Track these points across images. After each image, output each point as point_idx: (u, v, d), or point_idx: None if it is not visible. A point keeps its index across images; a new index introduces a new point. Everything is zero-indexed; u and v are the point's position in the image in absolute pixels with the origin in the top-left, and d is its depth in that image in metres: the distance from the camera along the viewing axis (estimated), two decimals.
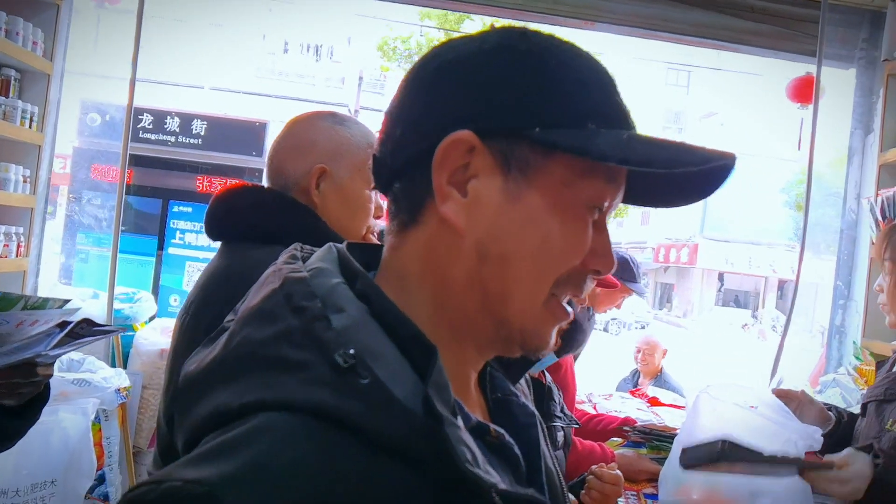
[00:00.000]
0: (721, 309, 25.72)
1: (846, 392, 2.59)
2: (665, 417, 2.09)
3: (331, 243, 0.61)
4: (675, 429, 1.82)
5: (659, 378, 4.08)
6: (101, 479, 2.39)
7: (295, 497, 0.42)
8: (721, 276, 26.52)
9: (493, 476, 0.47)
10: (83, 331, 0.86)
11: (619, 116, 0.55)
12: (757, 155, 19.02)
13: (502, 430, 0.56)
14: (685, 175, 0.54)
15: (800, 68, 3.25)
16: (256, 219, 1.17)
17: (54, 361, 0.97)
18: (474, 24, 13.57)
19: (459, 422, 0.48)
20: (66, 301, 0.89)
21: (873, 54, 2.83)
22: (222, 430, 0.46)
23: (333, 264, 0.56)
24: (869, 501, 1.32)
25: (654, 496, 1.57)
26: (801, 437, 1.41)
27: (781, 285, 26.48)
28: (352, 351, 0.47)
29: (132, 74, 2.62)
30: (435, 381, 0.48)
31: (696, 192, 0.59)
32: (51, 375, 1.00)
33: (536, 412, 0.69)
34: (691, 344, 14.07)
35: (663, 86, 20.68)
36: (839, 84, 3.03)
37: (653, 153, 0.52)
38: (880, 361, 2.08)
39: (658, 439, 1.74)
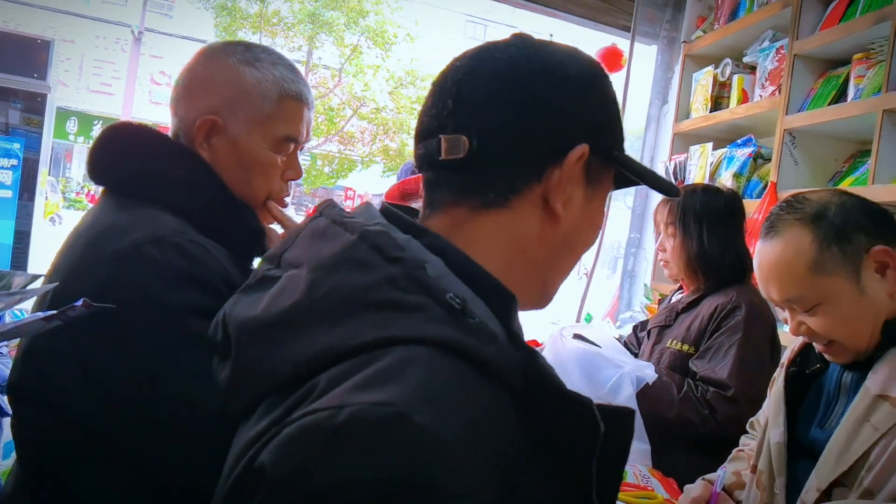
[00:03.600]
0: None
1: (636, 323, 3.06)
2: None
3: (368, 202, 0.65)
4: None
5: None
6: None
7: (465, 416, 0.48)
8: None
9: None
10: (75, 312, 0.74)
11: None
12: None
13: None
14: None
15: (587, 35, 3.61)
16: (145, 172, 0.99)
17: None
18: None
19: None
20: (35, 277, 0.77)
21: (674, 35, 3.25)
22: (352, 360, 0.50)
23: (386, 221, 0.61)
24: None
25: None
26: (634, 370, 1.68)
27: None
28: (459, 294, 0.53)
29: None
30: (517, 323, 0.57)
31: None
32: None
33: None
34: None
35: (462, 38, 21.26)
36: (642, 58, 3.43)
37: (662, 183, 0.72)
38: (661, 298, 2.51)
39: None
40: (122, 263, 0.88)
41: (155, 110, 14.73)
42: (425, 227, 0.61)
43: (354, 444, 0.44)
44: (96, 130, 15.76)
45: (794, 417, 1.18)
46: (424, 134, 0.65)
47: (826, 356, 1.14)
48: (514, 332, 0.55)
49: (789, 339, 1.32)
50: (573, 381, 1.71)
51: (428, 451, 0.45)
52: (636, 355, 1.98)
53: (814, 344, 1.15)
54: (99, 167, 1.03)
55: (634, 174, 0.67)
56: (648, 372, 1.70)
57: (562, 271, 0.68)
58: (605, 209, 0.77)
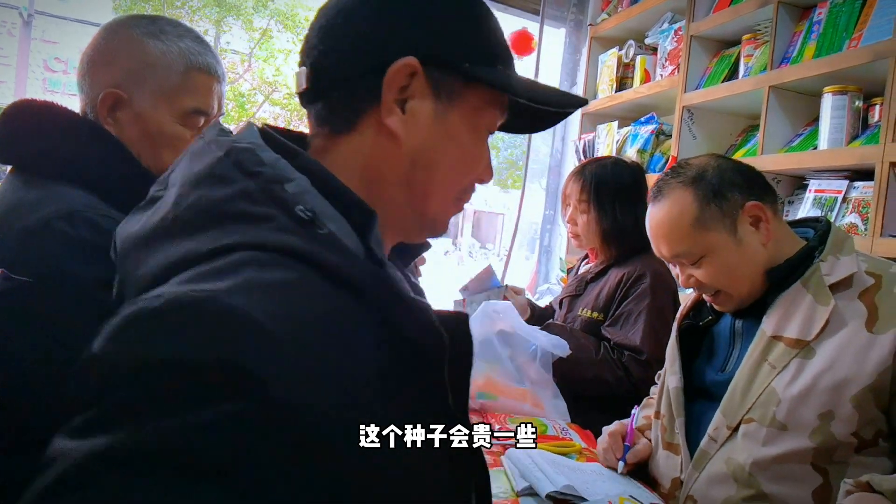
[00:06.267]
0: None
1: (556, 296, 3.20)
2: None
3: (251, 122, 0.66)
4: None
5: None
6: None
7: (298, 313, 0.49)
8: None
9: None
10: None
11: (511, 59, 0.70)
12: None
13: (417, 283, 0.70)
14: (548, 111, 0.70)
15: (498, 18, 3.68)
16: (51, 148, 0.98)
17: None
18: None
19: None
20: None
21: (580, 18, 3.37)
22: (199, 266, 0.51)
23: (261, 141, 0.62)
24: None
25: None
26: (549, 346, 1.77)
27: (475, 216, 29.54)
28: (310, 207, 0.56)
29: None
30: (374, 237, 0.58)
31: (546, 123, 0.77)
32: None
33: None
34: None
35: None
36: (551, 41, 3.54)
37: (548, 95, 0.68)
38: (570, 268, 2.65)
39: None
40: (32, 239, 0.87)
41: (51, 99, 13.83)
42: (297, 149, 0.61)
43: (167, 324, 0.46)
44: None
45: (691, 365, 1.30)
46: None
47: (715, 307, 1.27)
48: (370, 247, 0.57)
49: (685, 299, 1.45)
50: (500, 356, 1.78)
51: (238, 332, 0.45)
52: None
53: (704, 296, 1.27)
54: (4, 145, 1.01)
55: (501, 87, 0.65)
56: (559, 352, 1.77)
57: (432, 194, 0.67)
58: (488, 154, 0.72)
